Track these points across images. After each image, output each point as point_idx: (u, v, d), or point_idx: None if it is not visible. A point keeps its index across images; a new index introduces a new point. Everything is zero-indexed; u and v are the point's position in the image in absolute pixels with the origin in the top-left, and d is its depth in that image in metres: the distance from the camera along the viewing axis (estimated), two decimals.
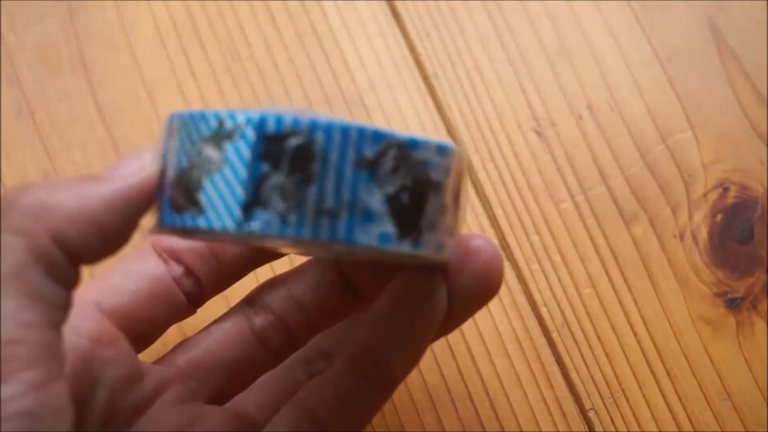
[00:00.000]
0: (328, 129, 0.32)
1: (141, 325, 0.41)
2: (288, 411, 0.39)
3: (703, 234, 0.51)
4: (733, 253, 0.50)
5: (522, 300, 0.50)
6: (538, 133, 0.52)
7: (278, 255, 0.44)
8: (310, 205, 0.32)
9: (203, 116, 0.33)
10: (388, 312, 0.37)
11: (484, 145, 0.52)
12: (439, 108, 0.53)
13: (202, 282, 0.42)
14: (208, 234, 0.34)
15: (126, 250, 0.36)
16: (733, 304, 0.50)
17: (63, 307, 0.33)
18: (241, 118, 0.33)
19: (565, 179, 0.52)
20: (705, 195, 0.51)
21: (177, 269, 0.42)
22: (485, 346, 0.49)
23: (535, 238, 0.51)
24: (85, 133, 0.53)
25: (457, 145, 0.35)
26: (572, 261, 0.50)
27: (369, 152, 0.32)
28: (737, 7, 0.53)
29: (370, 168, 0.33)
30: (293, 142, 0.32)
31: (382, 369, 0.38)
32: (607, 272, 0.50)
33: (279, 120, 0.32)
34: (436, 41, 0.54)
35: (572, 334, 0.49)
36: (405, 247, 0.33)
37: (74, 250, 0.33)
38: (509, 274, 0.50)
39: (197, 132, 0.33)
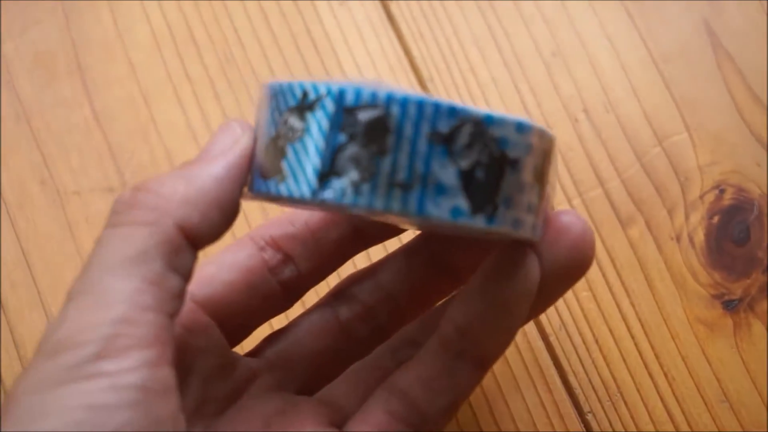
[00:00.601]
0: (404, 103, 0.33)
1: (235, 316, 0.41)
2: (380, 395, 0.39)
3: (700, 236, 0.51)
4: (729, 254, 0.50)
5: None
6: None
7: (380, 238, 0.44)
8: (384, 177, 0.33)
9: (290, 87, 0.34)
10: (480, 288, 0.37)
11: None
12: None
13: (302, 270, 0.42)
14: (290, 200, 0.35)
15: (226, 242, 0.37)
16: (730, 305, 0.50)
17: (178, 297, 0.34)
18: (322, 90, 0.34)
19: (562, 182, 0.52)
20: (701, 197, 0.51)
21: (275, 257, 0.42)
22: None
23: None
24: (81, 139, 0.53)
25: (545, 127, 0.35)
26: None
27: (444, 127, 0.33)
28: (732, 9, 0.53)
29: (445, 142, 0.33)
30: (370, 114, 0.33)
31: (477, 346, 0.37)
32: (604, 275, 0.50)
33: (358, 92, 0.33)
34: (430, 43, 0.54)
35: (570, 337, 0.49)
36: (479, 222, 0.33)
37: (197, 232, 0.34)
38: None
39: (285, 102, 0.34)
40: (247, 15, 0.55)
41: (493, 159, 0.33)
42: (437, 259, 0.43)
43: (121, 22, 0.55)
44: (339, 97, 0.33)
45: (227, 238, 0.38)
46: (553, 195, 0.37)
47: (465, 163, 0.33)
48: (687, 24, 0.54)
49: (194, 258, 0.35)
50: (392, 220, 0.36)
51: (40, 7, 0.55)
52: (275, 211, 0.51)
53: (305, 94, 0.34)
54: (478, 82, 0.53)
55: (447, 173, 0.33)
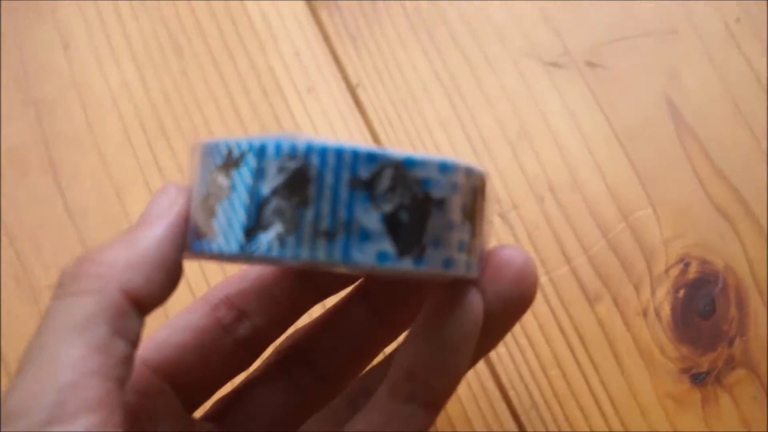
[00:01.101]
0: (323, 152, 0.33)
1: (190, 379, 0.41)
2: None
3: (666, 310, 0.51)
4: (696, 328, 0.51)
5: (490, 384, 0.51)
6: (501, 216, 0.53)
7: (336, 287, 0.44)
8: (308, 227, 0.33)
9: (216, 145, 0.35)
10: (423, 329, 0.37)
11: None
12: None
13: (258, 326, 0.42)
14: (223, 257, 0.35)
15: (177, 306, 0.38)
16: (698, 379, 0.50)
17: (125, 362, 0.35)
18: (244, 146, 0.34)
19: None
20: (667, 271, 0.52)
21: (228, 315, 0.42)
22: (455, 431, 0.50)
23: None
24: (54, 233, 0.54)
25: (474, 164, 0.35)
26: (538, 343, 0.51)
27: (364, 173, 0.33)
28: (692, 83, 0.54)
29: (366, 188, 0.33)
30: (291, 166, 0.33)
31: (425, 388, 0.37)
32: (573, 352, 0.51)
33: (278, 146, 0.33)
34: (398, 128, 0.55)
35: (541, 417, 0.50)
36: (406, 264, 0.34)
37: (143, 295, 0.35)
38: None
39: (212, 161, 0.35)
40: (217, 106, 0.55)
41: (417, 201, 0.34)
42: (375, 310, 0.43)
43: (92, 115, 0.56)
44: (260, 151, 0.34)
45: (185, 299, 0.38)
46: (490, 231, 0.37)
47: (388, 207, 0.33)
48: (648, 100, 0.55)
49: (141, 322, 0.35)
50: (335, 269, 0.36)
51: (11, 104, 0.56)
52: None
53: (230, 152, 0.34)
54: None
55: (370, 218, 0.33)
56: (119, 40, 0.57)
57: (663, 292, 0.52)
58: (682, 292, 0.51)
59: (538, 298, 0.52)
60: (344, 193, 0.33)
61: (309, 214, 0.33)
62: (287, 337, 0.44)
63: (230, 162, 0.34)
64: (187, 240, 0.36)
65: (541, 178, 0.54)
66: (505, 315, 0.38)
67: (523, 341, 0.51)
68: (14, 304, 0.53)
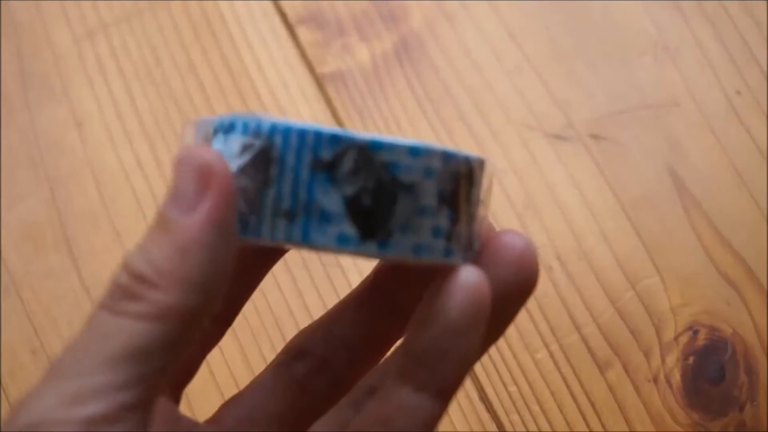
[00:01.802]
0: (286, 132, 0.33)
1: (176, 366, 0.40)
2: None
3: (677, 377, 0.52)
4: (706, 394, 0.51)
5: None
6: None
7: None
8: (269, 207, 0.33)
9: (204, 122, 0.35)
10: (429, 315, 0.35)
11: None
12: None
13: (226, 295, 0.41)
14: None
15: None
16: None
17: (162, 387, 0.33)
18: (216, 123, 0.34)
19: (539, 329, 0.53)
20: (676, 338, 0.52)
21: None
22: None
23: (513, 389, 0.52)
24: (71, 308, 0.54)
25: (458, 150, 0.34)
26: (551, 410, 0.52)
27: (326, 154, 0.33)
28: (695, 155, 0.55)
29: (327, 170, 0.33)
30: (256, 144, 0.33)
31: (436, 376, 0.35)
32: (585, 419, 0.51)
33: (245, 124, 0.33)
34: None
35: None
36: (370, 249, 0.33)
37: (203, 311, 0.33)
38: (490, 425, 0.51)
39: (197, 139, 0.35)
40: None
41: (383, 184, 0.33)
42: (387, 301, 0.41)
43: (106, 192, 0.56)
44: (228, 128, 0.33)
45: None
46: (485, 216, 0.36)
47: (350, 190, 0.33)
48: (651, 170, 0.56)
49: (195, 336, 0.33)
50: (300, 248, 0.35)
51: (26, 182, 0.57)
52: None
53: (210, 129, 0.34)
54: None
55: (331, 200, 0.33)
56: (131, 118, 0.58)
57: (673, 359, 0.52)
58: (691, 359, 0.52)
59: (549, 366, 0.52)
60: (305, 174, 0.33)
61: (270, 194, 0.33)
62: (294, 337, 0.43)
63: (207, 139, 0.34)
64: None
65: (548, 248, 0.54)
66: (507, 301, 0.36)
67: (536, 408, 0.52)
68: (32, 377, 0.53)
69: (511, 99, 0.57)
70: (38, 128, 0.58)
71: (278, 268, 0.43)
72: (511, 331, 0.53)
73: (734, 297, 0.53)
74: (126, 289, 0.32)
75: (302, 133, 0.33)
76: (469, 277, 0.35)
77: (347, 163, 0.33)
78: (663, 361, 0.52)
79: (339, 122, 0.57)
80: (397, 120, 0.57)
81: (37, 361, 0.54)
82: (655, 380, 0.52)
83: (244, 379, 0.44)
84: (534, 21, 0.59)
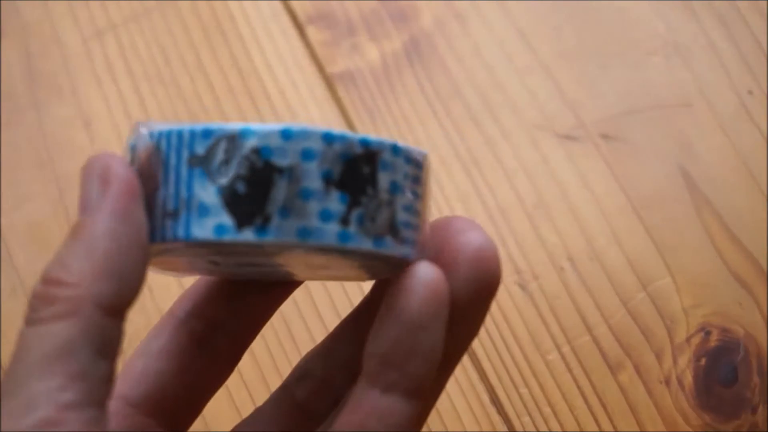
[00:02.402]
0: (168, 135, 0.33)
1: (175, 406, 0.40)
2: None
3: (689, 378, 0.52)
4: (718, 396, 0.51)
5: None
6: (522, 287, 0.53)
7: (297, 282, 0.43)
8: (158, 210, 0.33)
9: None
10: (388, 313, 0.35)
11: None
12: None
13: (232, 333, 0.41)
14: None
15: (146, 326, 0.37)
16: None
17: (107, 382, 0.33)
18: (130, 138, 0.35)
19: (551, 331, 0.53)
20: (688, 340, 0.52)
21: (199, 327, 0.40)
22: None
23: (524, 390, 0.52)
24: None
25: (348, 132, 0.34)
26: (562, 412, 0.51)
27: (200, 149, 0.33)
28: (707, 155, 0.55)
29: (202, 164, 0.33)
30: (147, 152, 0.34)
31: (403, 373, 0.35)
32: (596, 421, 0.51)
33: (141, 137, 0.34)
34: None
35: None
36: (247, 236, 0.33)
37: (119, 302, 0.33)
38: (501, 428, 0.51)
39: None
40: None
41: (256, 170, 0.33)
42: None
43: None
44: (133, 145, 0.34)
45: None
46: (400, 201, 0.35)
47: (224, 180, 0.33)
48: (663, 170, 0.55)
49: (122, 330, 0.34)
50: (195, 254, 0.36)
51: (33, 181, 0.57)
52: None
53: (129, 147, 0.35)
54: None
55: (208, 193, 0.33)
56: (139, 117, 0.58)
57: (685, 360, 0.52)
58: (703, 361, 0.52)
59: (561, 368, 0.52)
60: (184, 171, 0.33)
61: (159, 196, 0.33)
62: (299, 362, 0.42)
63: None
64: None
65: (559, 248, 0.54)
66: (471, 300, 0.36)
67: (547, 410, 0.51)
68: None
69: (522, 99, 0.57)
70: (46, 128, 0.58)
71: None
72: (521, 332, 0.52)
73: (746, 298, 0.53)
74: (42, 297, 0.33)
75: (179, 133, 0.33)
76: (424, 272, 0.34)
77: (219, 154, 0.33)
78: (675, 362, 0.52)
79: (349, 122, 0.57)
80: (408, 119, 0.57)
81: None
82: (667, 382, 0.52)
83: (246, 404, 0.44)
84: (545, 20, 0.59)
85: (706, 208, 0.54)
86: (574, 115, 0.57)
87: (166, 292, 0.54)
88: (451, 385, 0.50)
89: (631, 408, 0.51)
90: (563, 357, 0.52)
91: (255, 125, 0.33)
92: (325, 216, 0.33)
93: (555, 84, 0.57)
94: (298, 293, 0.51)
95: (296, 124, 0.33)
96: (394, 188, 0.34)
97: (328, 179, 0.33)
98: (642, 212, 0.55)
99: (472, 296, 0.36)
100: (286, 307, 0.52)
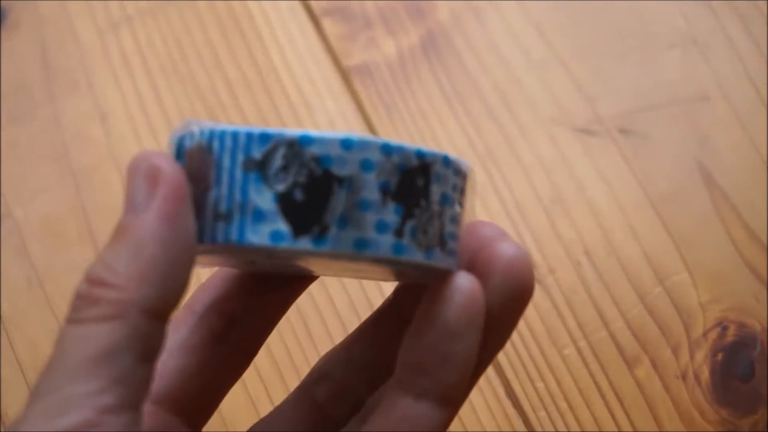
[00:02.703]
0: (222, 136, 0.33)
1: (195, 400, 0.40)
2: None
3: (705, 373, 0.51)
4: (735, 391, 0.51)
5: None
6: (538, 281, 0.53)
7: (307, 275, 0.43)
8: (209, 212, 0.33)
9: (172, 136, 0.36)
10: (423, 321, 0.35)
11: None
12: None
13: (250, 327, 0.41)
14: None
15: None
16: None
17: (145, 385, 0.33)
18: (171, 137, 0.34)
19: (567, 325, 0.53)
20: (705, 335, 0.52)
21: (219, 323, 0.40)
22: None
23: (540, 385, 0.52)
24: None
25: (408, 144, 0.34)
26: (578, 406, 0.51)
27: (257, 153, 0.33)
28: (724, 149, 0.55)
29: (259, 168, 0.33)
30: (197, 152, 0.34)
31: (435, 381, 0.35)
32: (613, 416, 0.51)
33: (191, 135, 0.34)
34: None
35: None
36: (305, 245, 0.33)
37: (163, 306, 0.33)
38: (517, 422, 0.51)
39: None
40: None
41: (315, 179, 0.33)
42: (405, 323, 0.39)
43: None
44: (179, 141, 0.34)
45: None
46: (453, 214, 0.35)
47: (281, 186, 0.33)
48: (680, 165, 0.55)
49: (164, 332, 0.34)
50: (253, 257, 0.36)
51: (49, 174, 0.57)
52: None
53: (169, 144, 0.35)
54: None
55: (264, 198, 0.33)
56: (155, 112, 0.58)
57: (701, 355, 0.52)
58: (720, 356, 0.52)
59: (577, 362, 0.52)
60: (239, 174, 0.33)
61: (210, 198, 0.33)
62: (317, 361, 0.42)
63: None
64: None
65: (576, 243, 0.54)
66: (505, 308, 0.36)
67: (563, 405, 0.51)
68: None
69: (539, 93, 0.57)
70: (62, 121, 0.58)
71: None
72: (538, 327, 0.52)
73: (763, 293, 0.52)
74: (86, 297, 0.33)
75: (234, 135, 0.33)
76: (463, 282, 0.35)
77: (277, 160, 0.33)
78: (692, 357, 0.52)
79: (365, 116, 0.57)
80: (424, 114, 0.57)
81: None
82: (684, 377, 0.51)
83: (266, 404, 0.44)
84: (561, 15, 0.59)
85: (723, 203, 0.54)
86: (592, 110, 0.56)
87: None
88: None
89: (647, 403, 0.51)
90: (580, 351, 0.52)
91: (314, 132, 0.33)
92: (381, 227, 0.33)
93: (572, 79, 0.57)
94: (314, 289, 0.52)
95: (356, 134, 0.33)
96: (444, 200, 0.35)
97: (385, 190, 0.33)
98: (659, 207, 0.55)
99: (505, 306, 0.36)
100: (303, 303, 0.52)
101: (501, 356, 0.52)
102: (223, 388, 0.41)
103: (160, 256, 0.33)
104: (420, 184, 0.34)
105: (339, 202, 0.33)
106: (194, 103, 0.58)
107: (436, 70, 0.58)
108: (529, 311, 0.53)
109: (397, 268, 0.36)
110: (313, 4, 0.59)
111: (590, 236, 0.54)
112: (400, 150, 0.34)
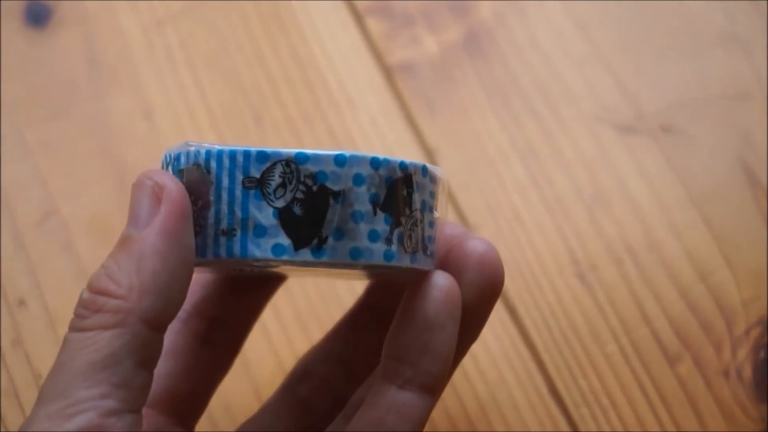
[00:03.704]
0: (219, 156, 0.35)
1: (185, 401, 0.42)
2: None
3: (748, 371, 0.52)
4: None
5: None
6: (580, 278, 0.54)
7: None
8: (210, 228, 0.35)
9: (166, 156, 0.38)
10: (404, 316, 0.38)
11: (528, 292, 0.53)
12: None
13: (231, 327, 0.43)
14: None
15: None
16: None
17: (145, 390, 0.35)
18: (168, 156, 0.37)
19: (609, 322, 0.53)
20: (747, 332, 0.52)
21: (202, 325, 0.43)
22: None
23: (583, 382, 0.52)
24: None
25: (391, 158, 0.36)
26: (620, 403, 0.51)
27: (255, 171, 0.35)
28: (766, 146, 0.55)
29: (258, 186, 0.35)
30: (195, 172, 0.36)
31: (418, 372, 0.37)
32: (655, 413, 0.51)
33: (187, 154, 0.36)
34: (474, 192, 0.56)
35: None
36: (305, 256, 0.35)
37: (162, 318, 0.35)
38: (559, 419, 0.51)
39: None
40: None
41: (312, 194, 0.35)
42: (379, 319, 0.43)
43: None
44: (175, 161, 0.37)
45: None
46: (433, 219, 0.38)
47: (281, 203, 0.35)
48: (722, 162, 0.55)
49: (161, 341, 0.36)
50: (250, 268, 0.38)
51: (94, 171, 0.57)
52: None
53: (164, 164, 0.38)
54: (523, 228, 0.55)
55: (264, 214, 0.35)
56: (199, 107, 0.58)
57: (744, 353, 0.52)
58: (762, 353, 0.52)
59: (619, 360, 0.52)
60: (239, 192, 0.35)
61: (211, 215, 0.35)
62: (298, 361, 0.45)
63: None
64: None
65: (618, 240, 0.54)
66: (478, 302, 0.39)
67: (605, 401, 0.51)
68: None
69: (581, 91, 0.57)
70: (107, 118, 0.58)
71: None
72: (580, 324, 0.53)
73: None
74: (88, 305, 0.35)
75: (232, 155, 0.35)
76: (440, 278, 0.37)
77: (276, 178, 0.35)
78: (734, 355, 0.52)
79: (407, 113, 0.57)
80: (466, 111, 0.57)
81: None
82: (726, 374, 0.52)
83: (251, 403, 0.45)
84: (603, 11, 0.59)
85: (765, 200, 0.54)
86: (633, 107, 0.57)
87: None
88: (509, 376, 0.51)
89: (689, 400, 0.51)
90: (621, 349, 0.52)
91: (309, 150, 0.35)
92: (373, 236, 0.36)
93: (614, 76, 0.57)
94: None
95: (347, 150, 0.36)
96: (424, 206, 0.37)
97: (375, 202, 0.36)
98: (701, 204, 0.55)
99: (479, 298, 0.39)
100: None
101: (543, 354, 0.52)
102: (211, 387, 0.44)
103: (161, 270, 0.35)
104: (404, 193, 0.36)
105: (335, 215, 0.35)
106: (237, 98, 0.58)
107: (478, 67, 0.58)
108: (571, 308, 0.53)
109: (380, 271, 0.38)
110: (357, 3, 0.60)
111: (632, 233, 0.54)
112: (387, 163, 0.36)
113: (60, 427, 0.33)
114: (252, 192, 0.35)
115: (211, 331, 0.43)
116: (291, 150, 0.35)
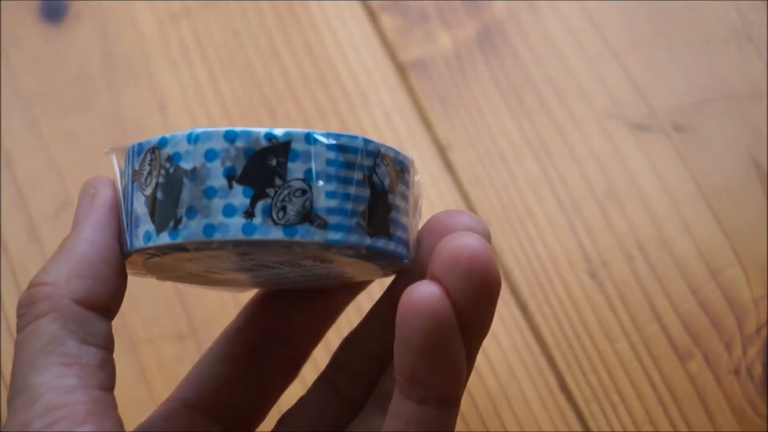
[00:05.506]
0: (127, 153, 0.36)
1: (235, 407, 0.42)
2: None
3: (758, 369, 0.52)
4: None
5: None
6: (591, 275, 0.54)
7: (360, 287, 0.44)
8: (123, 225, 0.36)
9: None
10: (402, 338, 0.35)
11: (539, 288, 0.54)
12: (494, 254, 0.54)
13: (289, 340, 0.42)
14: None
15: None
16: None
17: (103, 366, 0.36)
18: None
19: (619, 319, 0.53)
20: (758, 330, 0.52)
21: (254, 336, 0.42)
22: None
23: (593, 378, 0.52)
24: (152, 289, 0.55)
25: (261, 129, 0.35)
26: (630, 400, 0.52)
27: (135, 164, 0.36)
28: None
29: (135, 178, 0.35)
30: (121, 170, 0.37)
31: (431, 390, 0.36)
32: (665, 410, 0.51)
33: (133, 146, 0.36)
34: (488, 188, 0.56)
35: None
36: (164, 239, 0.35)
37: (95, 298, 0.36)
38: (569, 415, 0.52)
39: None
40: None
41: (169, 176, 0.35)
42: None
43: None
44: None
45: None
46: (319, 189, 0.35)
47: (149, 190, 0.35)
48: (734, 159, 0.55)
49: (107, 325, 0.36)
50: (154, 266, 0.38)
51: (108, 163, 0.57)
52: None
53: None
54: (535, 224, 0.55)
55: (139, 204, 0.35)
56: (213, 101, 0.58)
57: (755, 351, 0.52)
58: None
59: (629, 356, 0.52)
60: (129, 187, 0.36)
61: (122, 212, 0.36)
62: (336, 349, 0.43)
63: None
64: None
65: (629, 236, 0.54)
66: (474, 306, 0.35)
67: (615, 398, 0.52)
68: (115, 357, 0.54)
69: (593, 87, 0.57)
70: (122, 111, 0.59)
71: None
72: (591, 320, 0.53)
73: None
74: (25, 302, 0.36)
75: (129, 150, 0.36)
76: (423, 308, 0.34)
77: (146, 167, 0.35)
78: (744, 352, 0.52)
79: (420, 109, 0.58)
80: (479, 107, 0.57)
81: (119, 339, 0.54)
82: (736, 372, 0.52)
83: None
84: (617, 9, 0.59)
85: None
86: (646, 105, 0.57)
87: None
88: (520, 372, 0.51)
89: (699, 397, 0.52)
90: (632, 345, 0.52)
91: (171, 134, 0.35)
92: (229, 211, 0.35)
93: (627, 73, 0.57)
94: None
95: (204, 127, 0.35)
96: (312, 176, 0.35)
97: (230, 176, 0.35)
98: (712, 201, 0.55)
99: (474, 305, 0.35)
100: None
101: (554, 349, 0.53)
102: (264, 399, 0.43)
103: (88, 255, 0.36)
104: (273, 163, 0.35)
105: (188, 194, 0.35)
106: (251, 93, 0.58)
107: (492, 64, 0.58)
108: (582, 304, 0.53)
109: (349, 258, 0.36)
110: (371, 1, 0.60)
111: (643, 230, 0.55)
112: (246, 134, 0.35)
113: (28, 416, 0.34)
114: (134, 185, 0.36)
115: (266, 343, 0.42)
116: (157, 136, 0.35)
